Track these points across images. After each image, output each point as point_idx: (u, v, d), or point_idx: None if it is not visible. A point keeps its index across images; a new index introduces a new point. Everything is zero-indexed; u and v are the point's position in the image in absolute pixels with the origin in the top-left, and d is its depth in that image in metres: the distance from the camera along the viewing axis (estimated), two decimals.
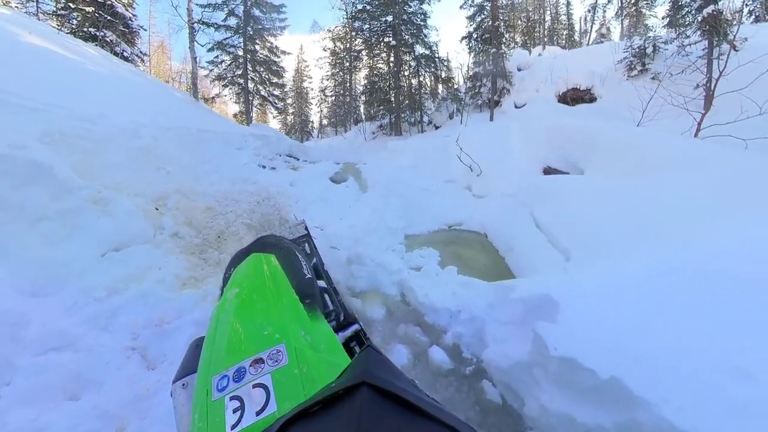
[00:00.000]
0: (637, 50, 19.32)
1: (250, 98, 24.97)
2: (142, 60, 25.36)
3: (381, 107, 25.64)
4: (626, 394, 2.18)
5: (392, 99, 24.41)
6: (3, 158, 4.19)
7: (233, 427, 1.15)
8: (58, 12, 20.67)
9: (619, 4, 34.42)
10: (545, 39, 43.61)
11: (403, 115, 24.92)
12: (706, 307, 2.59)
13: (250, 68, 24.54)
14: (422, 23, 24.82)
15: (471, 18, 25.01)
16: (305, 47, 48.98)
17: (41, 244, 3.97)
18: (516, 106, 21.83)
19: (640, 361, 2.29)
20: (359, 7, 26.28)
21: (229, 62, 24.46)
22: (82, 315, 3.59)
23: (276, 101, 28.03)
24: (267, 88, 26.70)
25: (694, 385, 2.06)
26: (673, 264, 3.33)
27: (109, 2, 20.65)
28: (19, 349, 2.98)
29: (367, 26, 26.10)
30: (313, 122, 49.01)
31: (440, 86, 27.91)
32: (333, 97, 41.73)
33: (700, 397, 1.99)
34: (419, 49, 25.31)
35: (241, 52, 24.01)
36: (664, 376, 2.16)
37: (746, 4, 19.87)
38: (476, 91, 23.88)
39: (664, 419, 1.96)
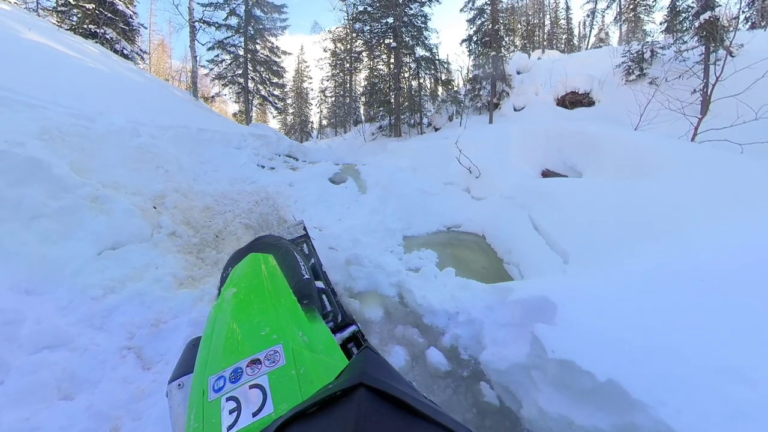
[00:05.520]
0: (635, 55, 19.47)
1: (250, 98, 24.97)
2: (142, 58, 25.36)
3: (381, 109, 25.66)
4: (624, 397, 2.19)
5: (392, 100, 24.43)
6: (0, 155, 4.18)
7: (229, 428, 1.14)
8: (59, 8, 20.66)
9: (618, 10, 34.50)
10: (544, 43, 43.78)
11: (402, 117, 24.94)
12: (703, 309, 2.61)
13: (251, 68, 24.55)
14: (423, 25, 24.87)
15: (471, 21, 25.20)
16: (306, 48, 49.19)
17: (37, 241, 3.94)
18: (515, 109, 21.91)
19: (638, 363, 2.30)
20: (360, 8, 26.32)
21: (229, 61, 24.47)
22: (78, 314, 3.57)
23: (276, 101, 28.06)
24: (267, 88, 26.72)
25: (692, 388, 2.06)
26: (671, 266, 3.34)
27: (109, 0, 20.64)
28: (13, 348, 2.96)
29: (368, 28, 26.11)
30: (312, 123, 48.99)
31: (440, 88, 27.94)
32: (333, 98, 41.72)
33: (698, 400, 2.00)
34: (419, 51, 25.39)
35: (241, 52, 24.02)
36: (662, 378, 2.16)
37: (742, 11, 20.00)
38: (476, 93, 24.01)
39: (662, 422, 1.97)
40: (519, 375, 3.07)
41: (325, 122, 46.31)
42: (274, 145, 12.86)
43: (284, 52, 27.78)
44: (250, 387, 1.26)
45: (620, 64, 19.94)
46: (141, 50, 24.89)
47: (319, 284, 2.79)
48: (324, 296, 2.72)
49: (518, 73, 24.64)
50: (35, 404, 2.66)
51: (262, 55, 25.85)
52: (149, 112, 9.60)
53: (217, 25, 22.28)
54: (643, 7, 31.36)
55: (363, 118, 33.60)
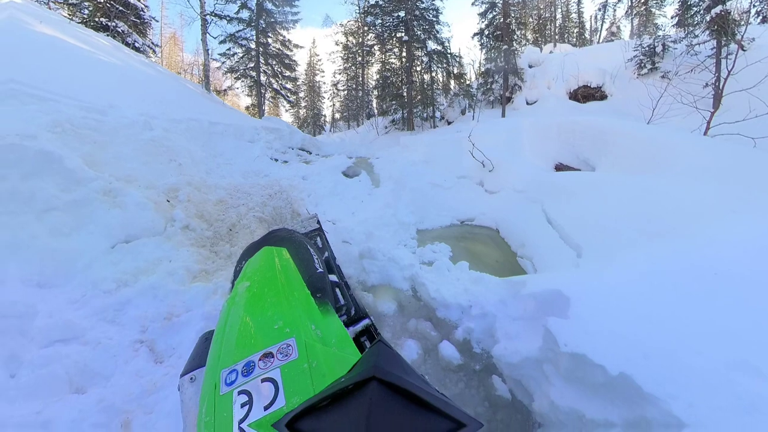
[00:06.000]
0: (646, 49, 19.41)
1: (263, 91, 25.02)
2: (154, 51, 25.40)
3: (393, 102, 25.59)
4: (636, 390, 2.21)
5: (404, 94, 24.37)
6: (12, 148, 4.21)
7: (241, 421, 1.13)
8: (70, 1, 20.69)
9: (629, 3, 34.22)
10: (556, 37, 43.39)
11: (415, 111, 24.85)
12: (716, 303, 2.64)
13: (263, 61, 24.56)
14: (434, 19, 24.75)
15: (483, 15, 25.13)
16: (318, 41, 49.16)
17: (50, 235, 3.97)
18: (527, 103, 21.83)
19: (650, 357, 2.32)
20: (371, 2, 26.29)
21: (241, 55, 24.47)
22: (90, 307, 3.59)
23: (288, 95, 28.11)
24: (279, 81, 26.75)
25: (704, 382, 2.09)
26: (685, 261, 3.35)
27: None
28: (24, 341, 2.98)
29: (380, 21, 25.99)
30: (325, 116, 49.09)
31: (452, 82, 27.92)
32: (345, 92, 41.69)
33: (709, 394, 2.02)
34: (431, 45, 25.25)
35: (253, 45, 24.04)
36: (673, 372, 2.19)
37: (753, 5, 19.75)
38: (488, 87, 23.94)
39: (673, 415, 1.99)
40: (531, 368, 3.08)
41: (337, 116, 46.39)
42: (287, 138, 12.88)
43: (296, 46, 27.80)
44: (262, 380, 1.26)
45: (632, 57, 19.87)
46: (153, 43, 24.90)
47: (333, 278, 2.80)
48: (337, 290, 2.72)
49: (530, 66, 24.52)
50: (47, 397, 2.68)
51: (273, 49, 25.86)
52: (161, 105, 9.64)
53: (228, 18, 22.26)
54: (655, 1, 31.15)
55: (375, 111, 33.63)
